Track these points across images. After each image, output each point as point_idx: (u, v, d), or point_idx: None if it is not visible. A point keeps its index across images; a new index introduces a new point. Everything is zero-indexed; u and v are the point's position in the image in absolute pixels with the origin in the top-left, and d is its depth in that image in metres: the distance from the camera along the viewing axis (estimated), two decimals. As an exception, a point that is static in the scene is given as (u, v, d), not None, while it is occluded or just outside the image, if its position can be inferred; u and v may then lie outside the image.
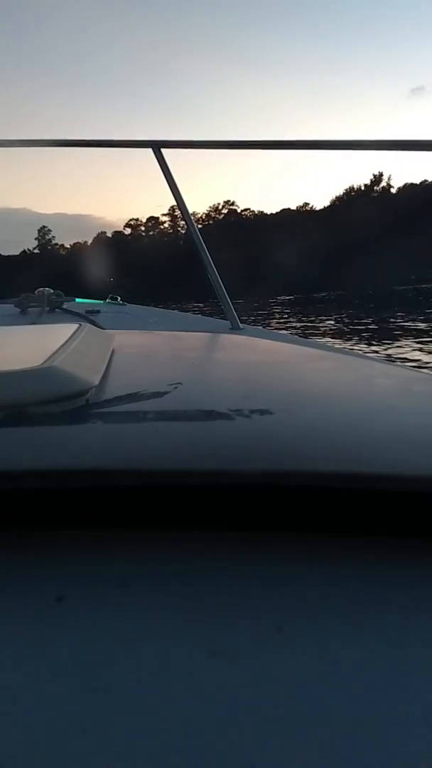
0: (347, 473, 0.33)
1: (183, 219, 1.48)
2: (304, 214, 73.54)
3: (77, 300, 2.09)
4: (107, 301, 2.23)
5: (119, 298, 2.30)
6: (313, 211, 75.25)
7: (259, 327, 3.30)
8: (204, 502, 0.34)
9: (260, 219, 76.75)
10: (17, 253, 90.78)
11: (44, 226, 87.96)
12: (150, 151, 1.46)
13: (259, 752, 0.21)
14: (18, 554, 0.32)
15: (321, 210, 74.22)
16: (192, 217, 1.48)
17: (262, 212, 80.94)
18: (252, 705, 0.23)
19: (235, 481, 0.33)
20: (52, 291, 1.96)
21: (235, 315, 1.50)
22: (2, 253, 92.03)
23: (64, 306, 1.91)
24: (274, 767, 0.21)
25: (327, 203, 73.19)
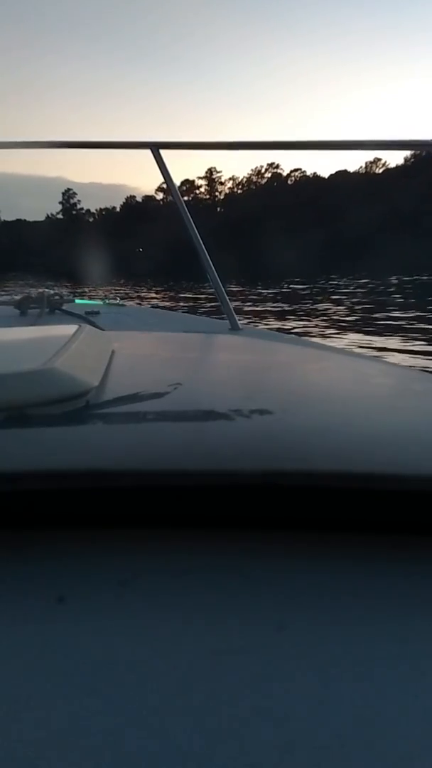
0: (347, 473, 0.35)
1: (183, 219, 1.55)
2: (368, 176, 70.98)
3: (77, 301, 2.27)
4: (107, 302, 2.39)
5: (119, 299, 2.49)
6: (375, 174, 72.48)
7: (258, 327, 3.39)
8: (204, 502, 0.36)
9: (312, 182, 74.56)
10: (42, 218, 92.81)
11: (69, 189, 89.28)
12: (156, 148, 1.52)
13: (260, 751, 0.22)
14: (19, 555, 0.34)
15: (389, 171, 71.35)
16: (192, 218, 1.57)
17: (315, 174, 78.13)
18: (252, 704, 0.24)
19: (235, 481, 0.35)
20: (51, 292, 2.12)
21: (234, 315, 1.57)
22: (28, 219, 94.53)
23: (64, 307, 2.03)
24: (275, 766, 0.22)
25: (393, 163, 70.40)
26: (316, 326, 9.03)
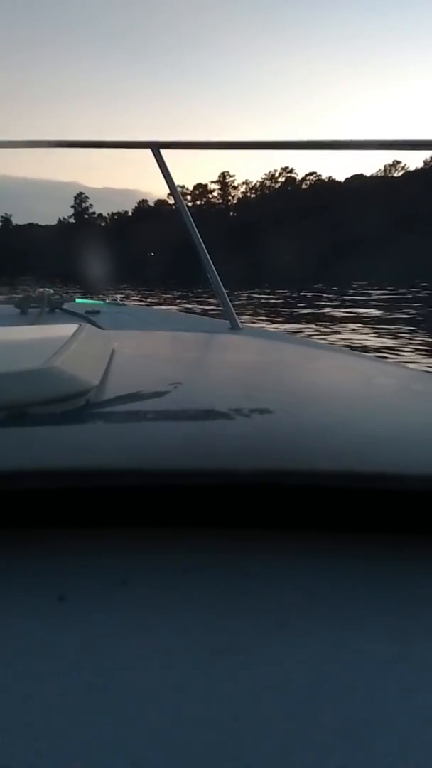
0: (347, 472, 0.35)
1: (184, 219, 1.56)
2: (385, 179, 70.55)
3: (77, 300, 2.26)
4: (107, 301, 2.40)
5: (119, 299, 2.48)
6: (393, 177, 72.03)
7: (258, 327, 3.39)
8: (204, 501, 0.36)
9: (328, 186, 74.37)
10: (54, 222, 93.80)
11: (81, 193, 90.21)
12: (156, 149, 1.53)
13: (260, 750, 0.23)
14: (20, 554, 0.35)
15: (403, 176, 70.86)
16: (192, 219, 1.57)
17: (331, 178, 77.78)
18: (253, 703, 0.25)
19: (235, 480, 0.35)
20: (52, 292, 2.10)
21: (235, 315, 1.58)
22: (40, 223, 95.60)
23: (64, 306, 2.04)
24: (275, 766, 0.22)
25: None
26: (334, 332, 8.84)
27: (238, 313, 1.61)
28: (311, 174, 78.22)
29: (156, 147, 1.50)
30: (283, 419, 0.49)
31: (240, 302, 14.20)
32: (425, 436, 0.46)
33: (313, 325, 9.50)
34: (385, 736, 0.23)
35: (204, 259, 1.59)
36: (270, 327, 8.69)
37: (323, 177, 77.52)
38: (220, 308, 1.62)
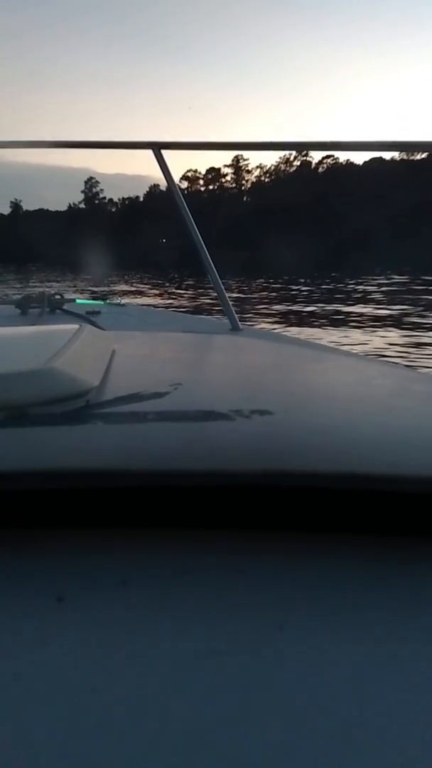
0: (347, 473, 0.36)
1: (184, 219, 1.57)
2: (405, 162, 68.77)
3: (77, 301, 2.30)
4: (107, 302, 2.43)
5: (119, 299, 2.53)
6: (415, 159, 70.16)
7: (259, 328, 3.41)
8: (204, 502, 0.37)
9: (345, 169, 72.78)
10: (64, 209, 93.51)
11: (91, 178, 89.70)
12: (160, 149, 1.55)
13: (260, 751, 0.23)
14: (18, 554, 0.35)
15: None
16: (192, 219, 1.57)
17: (348, 161, 75.84)
18: (252, 704, 0.25)
19: (235, 481, 0.36)
20: (52, 292, 2.14)
21: (235, 315, 1.59)
22: (50, 209, 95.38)
23: (65, 307, 2.08)
24: (275, 766, 0.22)
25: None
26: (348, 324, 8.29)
27: (252, 313, 1.52)
28: (328, 157, 76.70)
29: (157, 147, 1.50)
30: (283, 420, 0.50)
31: (251, 299, 13.44)
32: (425, 438, 0.47)
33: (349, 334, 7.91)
34: (385, 736, 0.23)
35: (204, 259, 1.59)
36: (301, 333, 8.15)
37: (340, 161, 75.98)
38: (233, 306, 1.59)
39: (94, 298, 2.64)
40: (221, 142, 1.70)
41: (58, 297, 2.12)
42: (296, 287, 16.56)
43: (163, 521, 0.37)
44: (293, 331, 7.57)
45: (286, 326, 8.59)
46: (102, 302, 2.42)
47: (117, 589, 0.32)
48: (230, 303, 1.60)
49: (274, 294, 14.89)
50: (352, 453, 0.40)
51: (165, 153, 1.53)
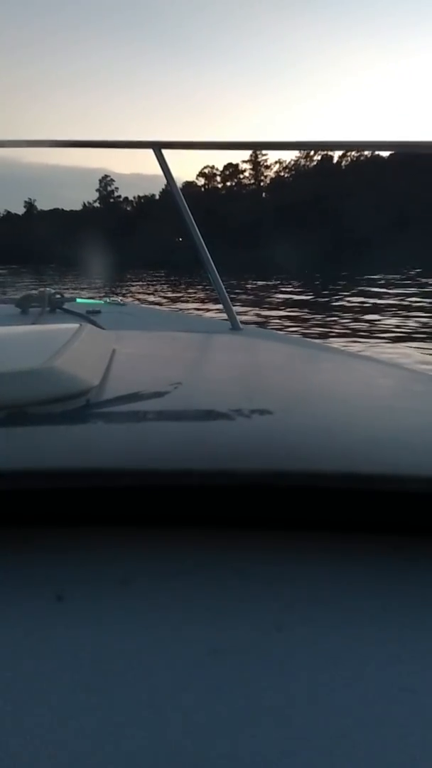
0: (347, 473, 0.36)
1: (185, 219, 1.60)
2: None
3: (78, 300, 2.30)
4: (108, 301, 2.44)
5: (120, 299, 2.52)
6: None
7: (259, 327, 3.54)
8: (204, 501, 0.37)
9: (370, 162, 71.69)
10: (79, 208, 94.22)
11: (106, 176, 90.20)
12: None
13: (260, 750, 0.23)
14: (19, 553, 0.36)
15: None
16: (193, 220, 1.59)
17: (374, 153, 74.66)
18: (252, 704, 0.25)
19: (235, 480, 0.37)
20: (53, 291, 2.14)
21: (235, 315, 1.60)
22: (65, 209, 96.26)
23: (65, 306, 2.09)
24: (274, 766, 0.23)
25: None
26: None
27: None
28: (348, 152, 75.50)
29: (157, 147, 1.52)
30: (283, 420, 0.51)
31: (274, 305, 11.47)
32: (425, 438, 0.48)
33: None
34: (384, 736, 0.24)
35: (204, 259, 1.60)
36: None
37: (365, 152, 74.58)
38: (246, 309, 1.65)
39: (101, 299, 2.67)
40: (221, 142, 1.74)
41: (58, 296, 2.13)
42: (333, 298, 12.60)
43: (164, 521, 0.38)
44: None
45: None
46: (102, 301, 2.43)
47: (117, 587, 0.33)
48: (230, 302, 1.61)
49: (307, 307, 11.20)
50: (352, 453, 0.41)
51: (165, 152, 1.54)
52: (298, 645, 0.29)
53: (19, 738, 0.24)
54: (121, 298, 2.63)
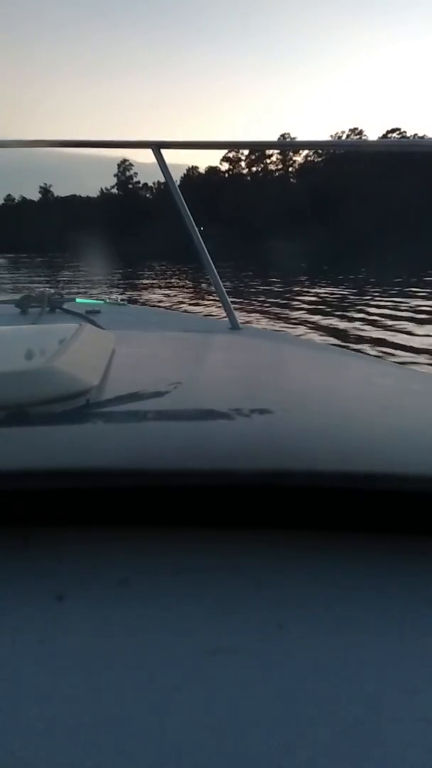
0: (347, 472, 0.37)
1: (184, 219, 1.61)
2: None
3: (78, 300, 2.32)
4: (108, 301, 2.44)
5: (120, 299, 2.52)
6: None
7: (259, 327, 3.39)
8: (204, 501, 0.38)
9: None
10: (96, 194, 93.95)
11: (125, 160, 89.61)
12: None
13: (260, 750, 0.24)
14: (19, 554, 0.37)
15: None
16: (192, 220, 1.61)
17: (417, 135, 72.00)
18: (252, 703, 0.26)
19: (235, 480, 0.37)
20: (52, 291, 2.19)
21: (235, 315, 1.61)
22: (81, 195, 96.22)
23: (65, 306, 2.12)
24: (275, 765, 0.23)
25: None
26: None
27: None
28: (394, 131, 72.35)
29: (157, 147, 1.54)
30: (283, 419, 0.52)
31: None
32: (425, 437, 0.49)
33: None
34: (384, 736, 0.24)
35: (205, 259, 1.62)
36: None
37: (408, 134, 71.33)
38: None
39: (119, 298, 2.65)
40: (222, 142, 1.74)
41: (58, 296, 2.15)
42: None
43: (163, 521, 0.39)
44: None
45: None
46: (102, 301, 2.45)
47: (117, 589, 0.33)
48: (230, 302, 1.61)
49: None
50: (352, 452, 0.42)
51: (165, 152, 1.55)
52: (298, 645, 0.29)
53: (19, 738, 0.24)
54: (120, 298, 2.65)
